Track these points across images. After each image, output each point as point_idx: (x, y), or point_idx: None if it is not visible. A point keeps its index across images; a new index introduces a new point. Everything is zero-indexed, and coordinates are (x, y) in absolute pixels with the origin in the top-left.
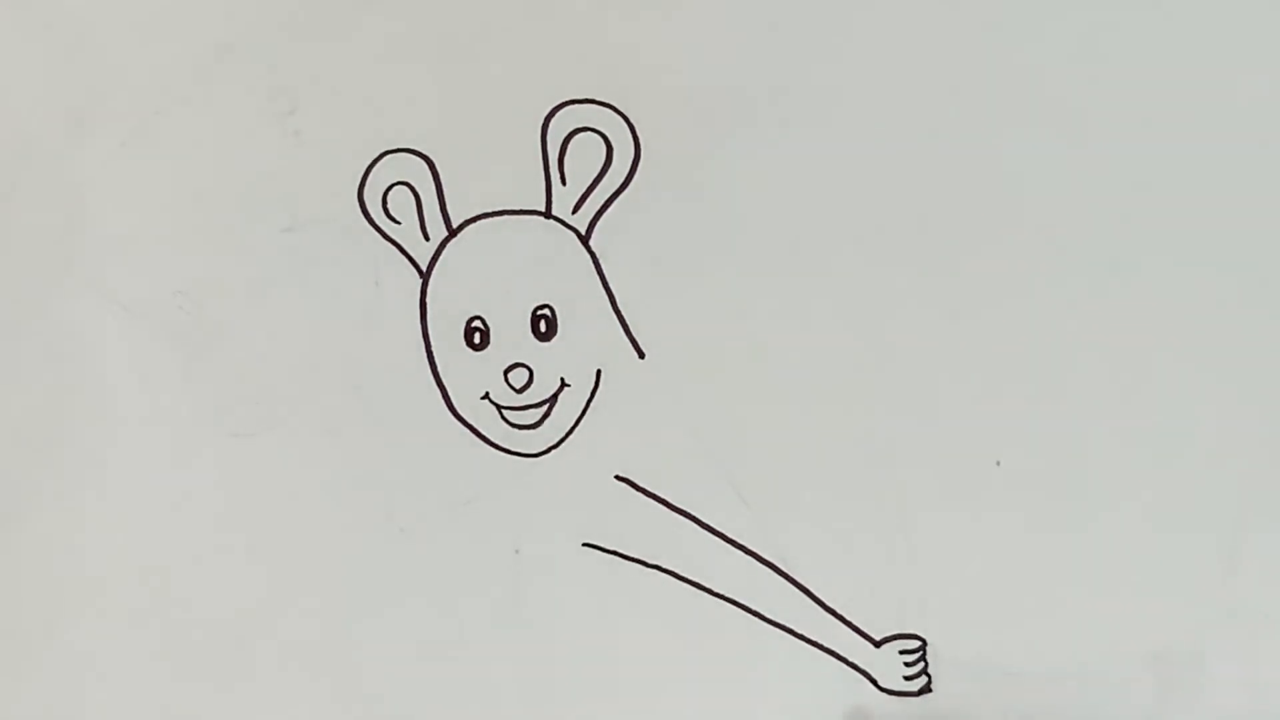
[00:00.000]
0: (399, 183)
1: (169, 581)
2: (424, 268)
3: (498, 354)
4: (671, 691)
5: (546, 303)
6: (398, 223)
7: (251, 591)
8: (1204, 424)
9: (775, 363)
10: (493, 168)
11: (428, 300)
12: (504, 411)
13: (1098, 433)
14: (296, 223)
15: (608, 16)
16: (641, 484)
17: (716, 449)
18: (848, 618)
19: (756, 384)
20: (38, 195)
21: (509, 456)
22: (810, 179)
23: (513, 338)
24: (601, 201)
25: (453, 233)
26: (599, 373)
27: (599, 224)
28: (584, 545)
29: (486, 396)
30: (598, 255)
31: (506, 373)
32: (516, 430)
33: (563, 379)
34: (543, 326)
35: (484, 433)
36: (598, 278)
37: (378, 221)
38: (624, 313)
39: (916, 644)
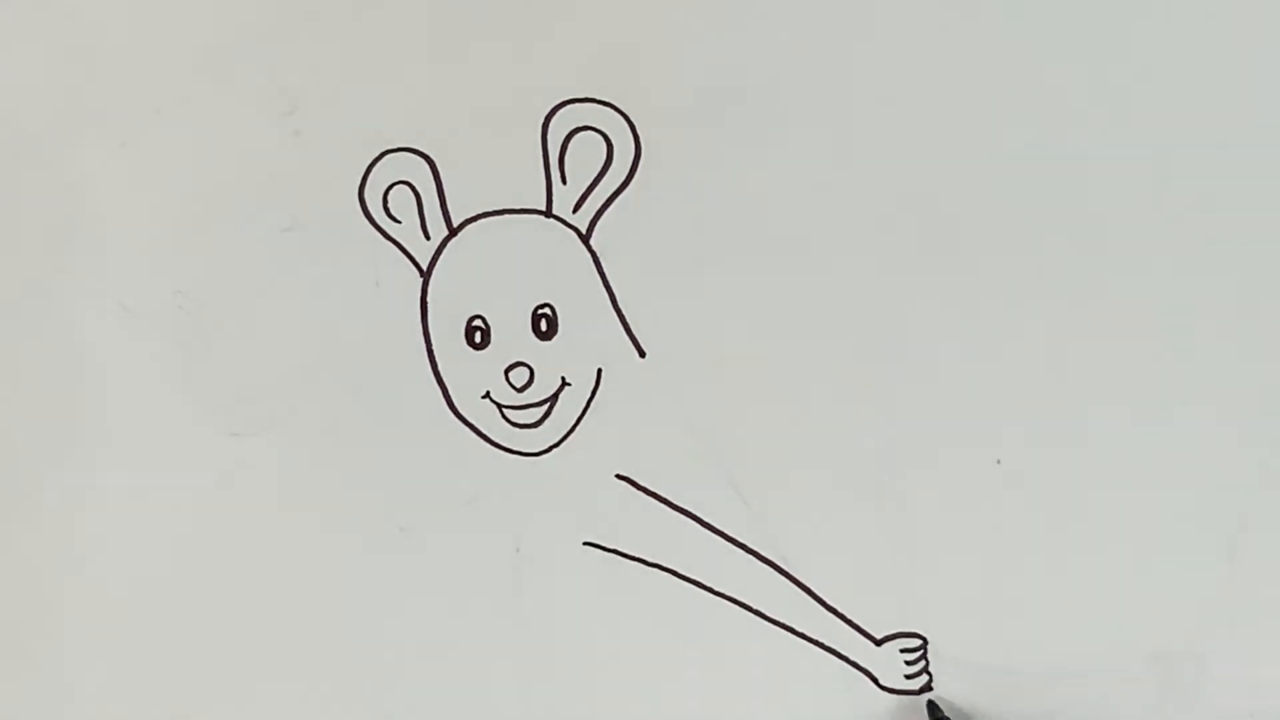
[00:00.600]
0: (399, 182)
1: (169, 581)
2: (424, 267)
3: (498, 353)
4: (672, 690)
5: (547, 302)
6: (398, 222)
7: (251, 591)
8: (1204, 424)
9: (775, 362)
10: (493, 167)
11: (428, 300)
12: (504, 411)
13: (1098, 433)
14: (296, 223)
15: (608, 16)
16: (642, 483)
17: (716, 449)
18: (848, 616)
19: (756, 384)
20: (38, 195)
21: (510, 456)
22: (810, 179)
23: (513, 337)
24: (602, 201)
25: (453, 232)
26: (599, 372)
27: (599, 223)
28: (584, 544)
29: (487, 396)
30: (598, 254)
31: (507, 372)
32: (517, 429)
33: (563, 378)
34: (543, 326)
35: (485, 432)
36: (598, 277)
37: (378, 221)
38: (624, 312)
39: (917, 643)
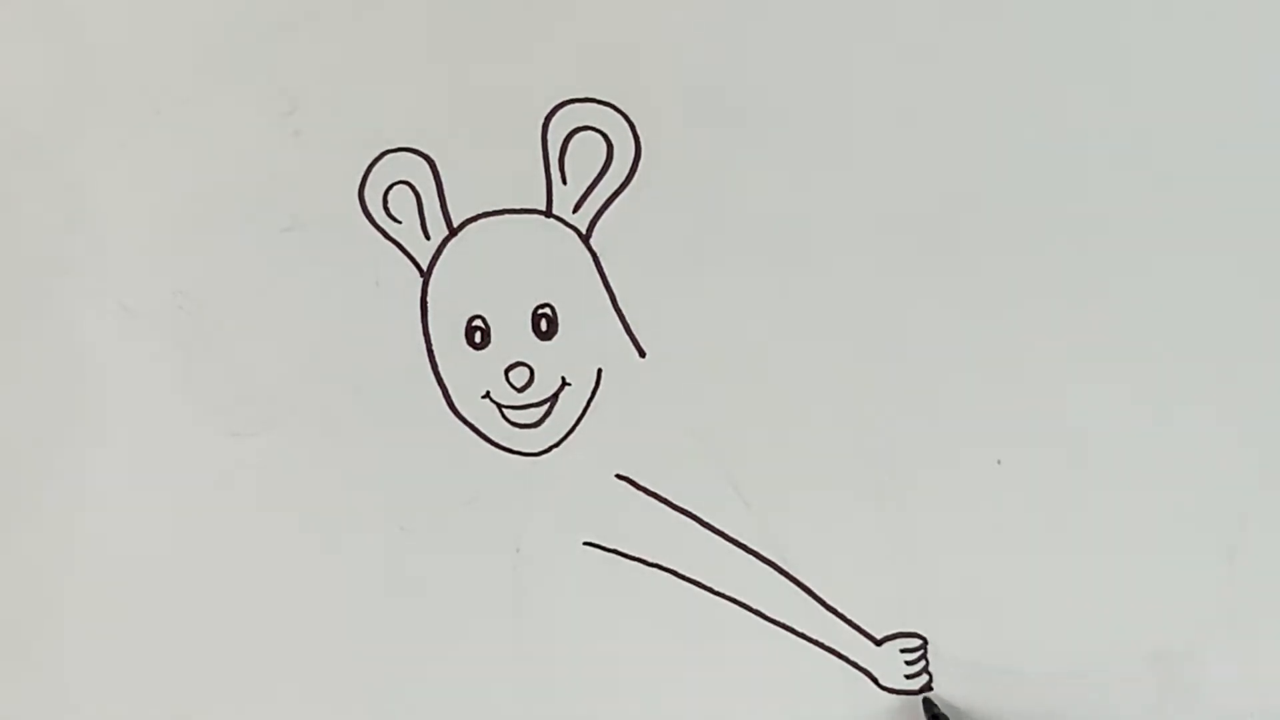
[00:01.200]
0: (399, 182)
1: (168, 581)
2: (424, 267)
3: (498, 353)
4: (672, 690)
5: (547, 302)
6: (398, 222)
7: (251, 591)
8: (1204, 424)
9: (775, 362)
10: (493, 167)
11: (428, 300)
12: (505, 410)
13: (1098, 433)
14: (296, 223)
15: (608, 16)
16: (642, 483)
17: (716, 449)
18: (848, 616)
19: (756, 384)
20: (38, 195)
21: (510, 455)
22: (810, 179)
23: (513, 337)
24: (602, 201)
25: (453, 232)
26: (599, 372)
27: (599, 223)
28: (584, 544)
29: (487, 396)
30: (598, 254)
31: (507, 372)
32: (517, 429)
33: (563, 378)
34: (543, 325)
35: (485, 432)
36: (598, 277)
37: (378, 221)
38: (624, 312)
39: (917, 643)
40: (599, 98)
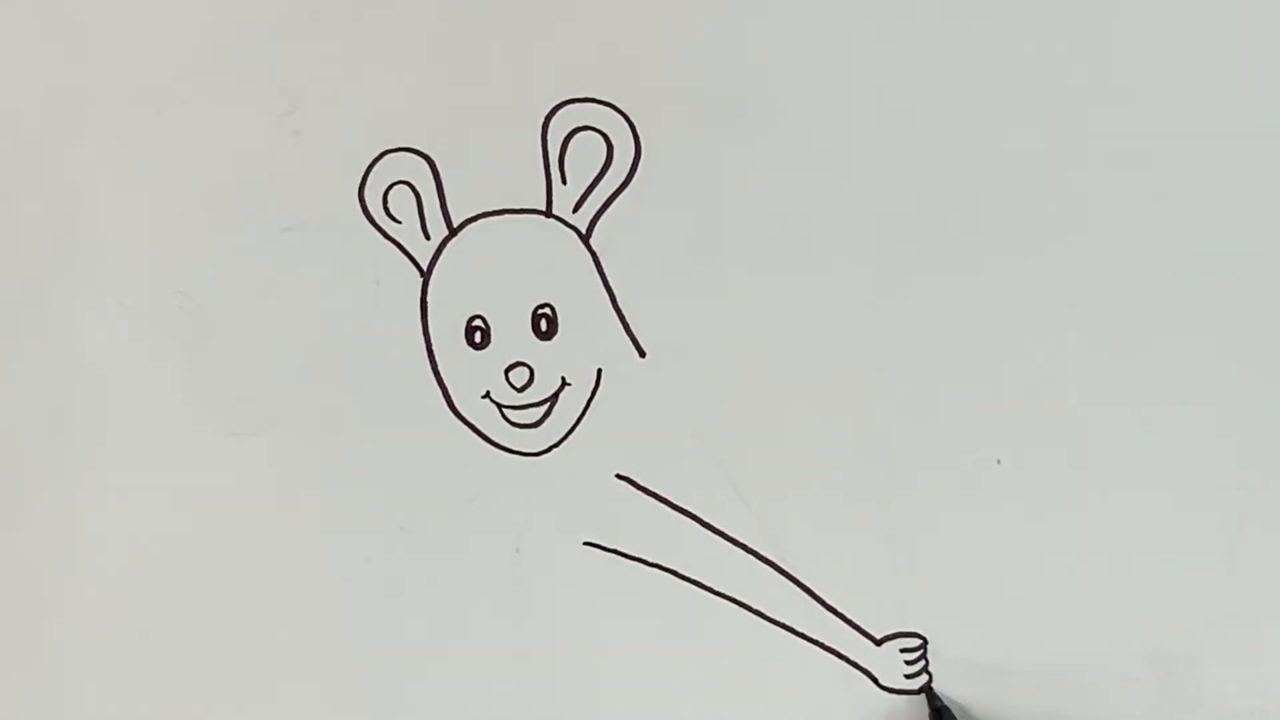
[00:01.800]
0: (399, 182)
1: (168, 581)
2: (424, 267)
3: (498, 353)
4: (672, 691)
5: (547, 302)
6: (398, 222)
7: (251, 591)
8: (1204, 423)
9: (775, 362)
10: (493, 167)
11: (428, 300)
12: (504, 410)
13: (1098, 432)
14: (296, 223)
15: (608, 16)
16: (642, 483)
17: (716, 449)
18: (848, 616)
19: (756, 384)
20: (38, 195)
21: (509, 455)
22: (810, 178)
23: (513, 337)
24: (602, 200)
25: (453, 232)
26: (599, 372)
27: (599, 223)
28: (584, 544)
29: (487, 395)
30: (598, 254)
31: (507, 372)
32: (517, 429)
33: (563, 378)
34: (543, 325)
35: (484, 432)
36: (598, 277)
37: (378, 221)
38: (624, 312)
39: (917, 642)
40: (599, 98)
